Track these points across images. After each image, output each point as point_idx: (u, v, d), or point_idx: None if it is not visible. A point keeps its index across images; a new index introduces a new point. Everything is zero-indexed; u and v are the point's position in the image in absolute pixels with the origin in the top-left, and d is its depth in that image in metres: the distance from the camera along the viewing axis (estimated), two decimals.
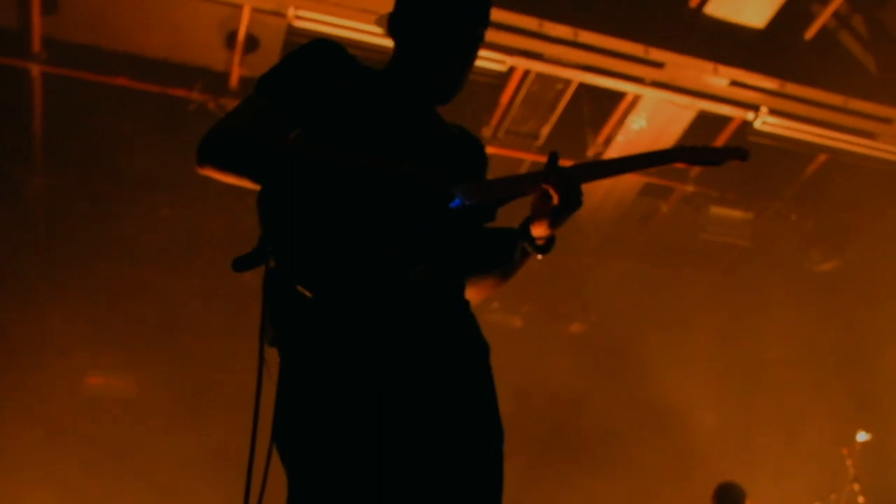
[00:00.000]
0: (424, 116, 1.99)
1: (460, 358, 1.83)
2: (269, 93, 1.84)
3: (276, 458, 1.70)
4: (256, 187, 1.79)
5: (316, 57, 1.89)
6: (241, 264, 1.69)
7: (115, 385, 6.54)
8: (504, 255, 1.96)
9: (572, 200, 1.83)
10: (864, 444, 5.95)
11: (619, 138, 6.20)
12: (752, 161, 2.02)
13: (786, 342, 6.89)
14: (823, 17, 5.88)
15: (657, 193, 6.81)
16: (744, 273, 7.19)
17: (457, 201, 1.81)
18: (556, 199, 1.82)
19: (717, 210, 6.75)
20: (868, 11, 6.26)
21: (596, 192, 6.62)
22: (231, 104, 5.48)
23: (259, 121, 1.80)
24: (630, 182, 6.60)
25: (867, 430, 5.96)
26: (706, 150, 1.88)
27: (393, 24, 1.99)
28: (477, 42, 1.96)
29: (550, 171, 1.84)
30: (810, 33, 5.93)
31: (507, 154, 6.02)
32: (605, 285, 6.97)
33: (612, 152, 6.31)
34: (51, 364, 6.17)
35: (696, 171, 6.50)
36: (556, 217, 1.85)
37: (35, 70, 5.21)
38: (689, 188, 6.66)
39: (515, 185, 1.90)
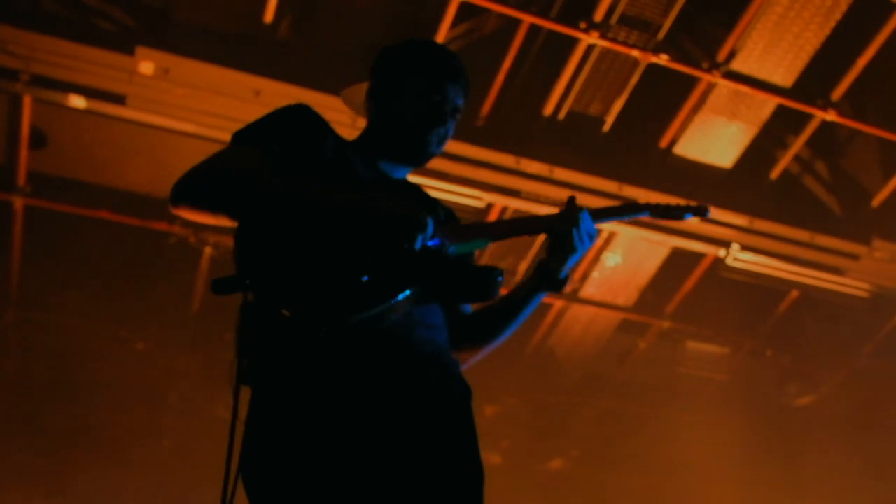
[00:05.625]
0: (396, 178, 2.06)
1: (443, 396, 1.81)
2: (245, 140, 1.88)
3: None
4: (233, 223, 1.80)
5: (294, 115, 1.94)
6: (220, 286, 1.71)
7: None
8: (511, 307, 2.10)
9: (587, 237, 2.01)
10: None
11: (595, 274, 6.29)
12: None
13: (769, 477, 6.78)
14: (785, 161, 6.12)
15: (634, 330, 6.85)
16: (722, 408, 7.16)
17: (436, 240, 1.86)
18: (573, 236, 1.99)
19: (693, 345, 6.79)
20: (829, 158, 6.54)
21: (574, 329, 6.65)
22: (213, 238, 5.53)
23: (237, 161, 1.84)
24: (607, 319, 6.64)
25: None
26: (670, 207, 2.11)
27: (372, 92, 2.06)
28: (455, 109, 2.05)
29: (569, 212, 2.01)
30: (775, 174, 6.16)
31: None
32: (586, 421, 6.88)
33: (589, 288, 6.38)
34: (10, 498, 5.89)
35: (672, 307, 6.59)
36: (572, 253, 2.01)
37: (18, 203, 5.26)
38: (666, 324, 6.71)
39: (500, 228, 2.14)
